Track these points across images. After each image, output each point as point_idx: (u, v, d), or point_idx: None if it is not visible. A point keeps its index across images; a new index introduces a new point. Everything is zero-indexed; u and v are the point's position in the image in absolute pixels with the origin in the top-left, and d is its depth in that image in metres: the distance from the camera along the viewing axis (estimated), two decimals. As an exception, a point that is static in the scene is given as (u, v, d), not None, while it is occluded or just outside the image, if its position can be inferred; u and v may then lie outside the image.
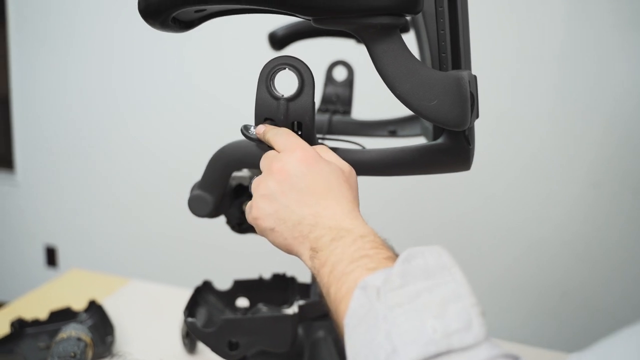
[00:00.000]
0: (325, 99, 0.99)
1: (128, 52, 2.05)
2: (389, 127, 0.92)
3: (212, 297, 0.93)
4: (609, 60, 1.52)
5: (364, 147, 0.64)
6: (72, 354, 0.82)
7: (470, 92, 0.50)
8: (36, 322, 1.00)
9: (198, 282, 0.92)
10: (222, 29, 1.80)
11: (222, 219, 0.72)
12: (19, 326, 0.98)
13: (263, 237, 0.51)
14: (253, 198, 0.50)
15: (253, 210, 0.49)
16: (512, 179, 1.67)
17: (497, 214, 1.71)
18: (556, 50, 1.56)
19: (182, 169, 1.90)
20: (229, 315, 0.89)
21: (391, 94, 0.50)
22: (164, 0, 0.50)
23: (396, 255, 0.42)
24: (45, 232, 2.36)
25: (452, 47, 0.54)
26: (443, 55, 0.54)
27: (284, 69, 0.52)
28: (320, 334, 0.89)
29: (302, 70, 0.52)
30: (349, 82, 0.99)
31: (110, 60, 2.08)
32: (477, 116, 0.55)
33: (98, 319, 1.03)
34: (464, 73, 0.50)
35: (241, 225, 0.72)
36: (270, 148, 0.52)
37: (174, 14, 0.52)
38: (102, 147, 2.16)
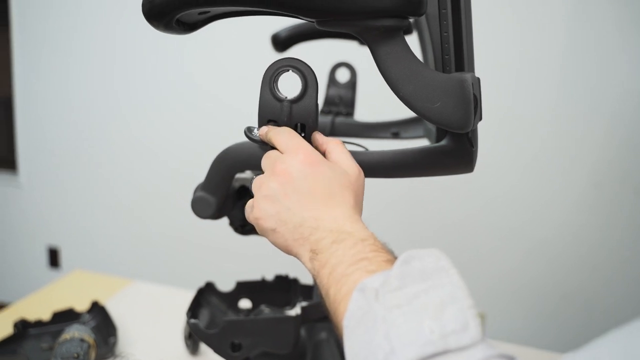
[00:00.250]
0: (327, 101, 0.99)
1: (130, 54, 2.05)
2: (392, 129, 0.92)
3: (215, 298, 0.93)
4: (610, 61, 1.52)
5: (367, 149, 0.64)
6: (75, 355, 0.82)
7: (474, 94, 0.50)
8: (39, 323, 1.00)
9: (201, 283, 0.92)
10: (225, 30, 1.80)
11: (225, 220, 0.72)
12: (22, 327, 0.98)
13: (265, 239, 0.51)
14: (254, 198, 0.50)
15: (255, 210, 0.50)
16: (514, 180, 1.67)
17: (498, 215, 1.71)
18: (557, 52, 1.56)
19: (184, 170, 1.90)
20: (231, 316, 0.89)
21: (394, 95, 0.50)
22: (168, 2, 0.50)
23: (395, 258, 0.42)
24: (48, 233, 2.37)
25: (455, 49, 0.54)
26: (446, 57, 0.54)
27: (288, 71, 0.53)
28: (323, 335, 0.89)
29: (305, 73, 0.52)
30: (352, 84, 0.99)
31: (113, 61, 2.09)
32: (481, 118, 0.55)
33: (101, 320, 1.03)
34: (467, 75, 0.49)
35: (244, 226, 0.72)
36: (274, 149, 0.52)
37: (177, 16, 0.52)
38: (105, 149, 2.17)
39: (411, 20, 0.51)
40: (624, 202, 1.59)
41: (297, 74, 0.52)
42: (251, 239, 0.75)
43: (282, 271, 0.97)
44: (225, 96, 1.92)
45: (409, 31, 0.83)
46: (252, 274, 1.00)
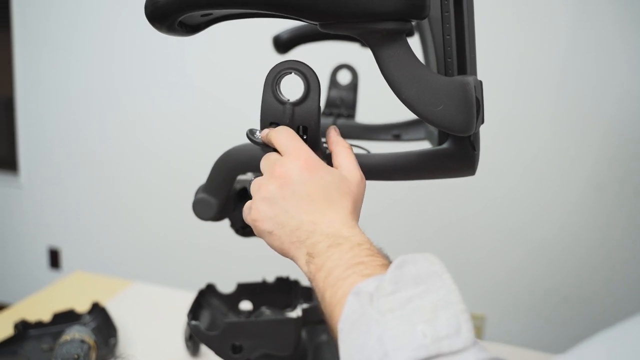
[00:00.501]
0: (329, 103, 0.99)
1: (131, 54, 2.05)
2: (393, 131, 0.92)
3: (216, 300, 0.93)
4: (610, 62, 1.53)
5: (368, 151, 0.64)
6: (76, 356, 0.82)
7: (476, 97, 0.50)
8: (39, 324, 1.00)
9: (201, 284, 0.92)
10: (226, 32, 1.79)
11: (226, 222, 0.72)
12: (23, 328, 0.98)
13: None
14: (253, 199, 0.50)
15: (253, 212, 0.50)
16: (513, 181, 1.67)
17: (498, 216, 1.71)
18: (557, 53, 1.56)
19: (185, 171, 1.90)
20: (232, 318, 0.89)
21: (395, 97, 0.50)
22: (171, 4, 0.50)
23: (391, 263, 0.42)
24: (48, 234, 2.37)
25: (457, 52, 0.54)
26: (449, 60, 0.54)
27: (290, 73, 0.52)
28: (324, 337, 0.89)
29: (308, 75, 0.52)
30: (353, 86, 0.99)
31: (114, 62, 2.09)
32: (483, 121, 0.55)
33: (101, 321, 1.03)
34: (469, 78, 0.49)
35: (245, 228, 0.72)
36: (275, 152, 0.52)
37: (180, 18, 0.52)
38: (106, 150, 2.17)
39: (413, 23, 0.51)
40: (623, 203, 1.59)
41: (300, 76, 0.52)
42: (252, 240, 0.75)
43: (283, 273, 0.97)
44: (227, 97, 1.92)
45: (411, 33, 0.83)
46: (253, 276, 1.00)
